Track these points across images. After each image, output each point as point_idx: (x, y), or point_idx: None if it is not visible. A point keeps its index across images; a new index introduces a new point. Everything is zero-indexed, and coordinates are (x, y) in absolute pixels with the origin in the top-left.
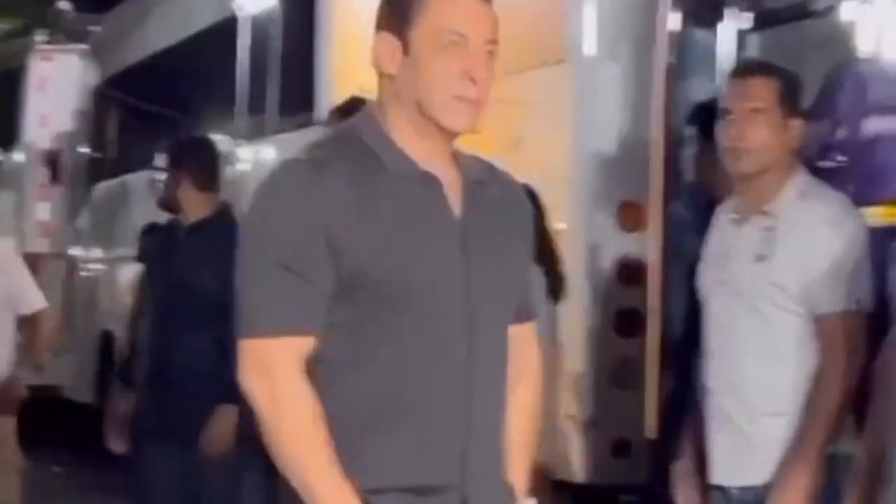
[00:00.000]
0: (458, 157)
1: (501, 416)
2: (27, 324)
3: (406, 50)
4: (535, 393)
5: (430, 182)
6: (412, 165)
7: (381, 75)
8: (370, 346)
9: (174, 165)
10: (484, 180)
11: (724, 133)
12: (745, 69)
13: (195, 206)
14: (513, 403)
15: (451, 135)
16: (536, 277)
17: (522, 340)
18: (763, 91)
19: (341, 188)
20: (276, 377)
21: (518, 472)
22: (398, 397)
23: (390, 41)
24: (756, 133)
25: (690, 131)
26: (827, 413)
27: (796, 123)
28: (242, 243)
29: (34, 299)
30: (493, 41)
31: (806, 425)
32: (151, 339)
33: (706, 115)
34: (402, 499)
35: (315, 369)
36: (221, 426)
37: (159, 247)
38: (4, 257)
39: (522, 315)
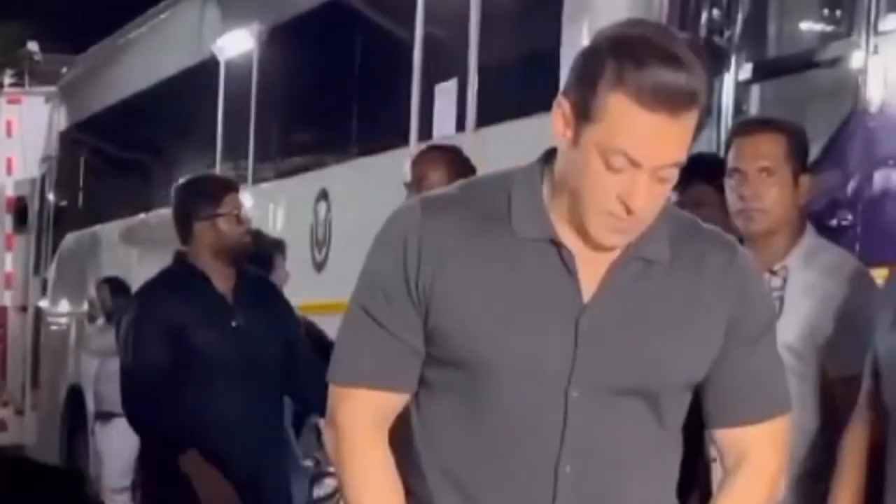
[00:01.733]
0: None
1: None
2: None
3: (576, 140)
4: (750, 493)
5: (560, 252)
6: (543, 230)
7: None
8: (452, 420)
9: None
10: (656, 258)
11: (735, 193)
12: (752, 126)
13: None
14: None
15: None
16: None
17: (746, 442)
18: (772, 149)
19: (449, 238)
20: (342, 428)
21: None
22: (467, 485)
23: (566, 113)
24: (768, 193)
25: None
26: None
27: (804, 180)
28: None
29: None
30: (674, 164)
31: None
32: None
33: (684, 172)
34: None
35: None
36: None
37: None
38: None
39: (736, 415)
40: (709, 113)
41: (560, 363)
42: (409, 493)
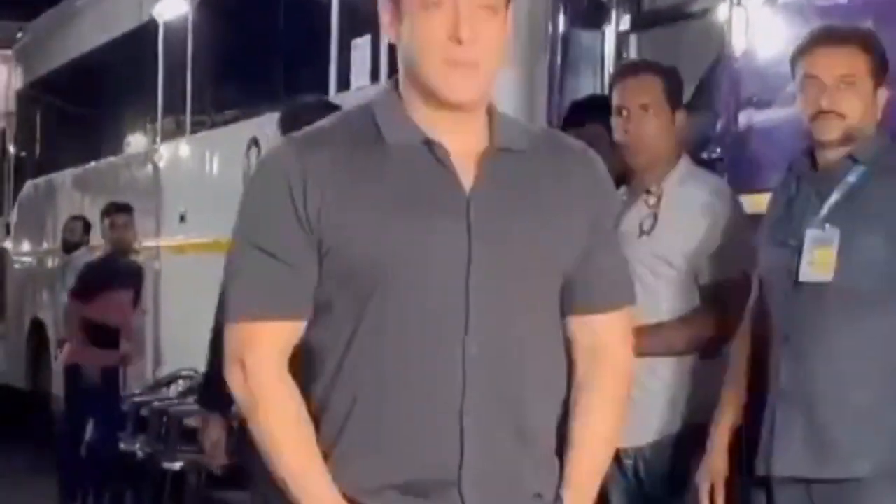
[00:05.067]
0: (494, 125)
1: (526, 416)
2: None
3: (398, 16)
4: (614, 398)
5: (434, 151)
6: (414, 134)
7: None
8: (355, 334)
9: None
10: (518, 147)
11: (619, 128)
12: (632, 68)
13: None
14: (578, 410)
15: (453, 106)
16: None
17: (601, 335)
18: (651, 87)
19: (326, 163)
20: (250, 367)
21: (574, 491)
22: (384, 391)
23: (387, 6)
24: (647, 127)
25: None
26: (662, 332)
27: (680, 116)
28: (234, 225)
29: None
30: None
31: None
32: None
33: (581, 111)
34: (397, 498)
35: (299, 356)
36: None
37: None
38: None
39: (594, 301)
40: None
41: (457, 251)
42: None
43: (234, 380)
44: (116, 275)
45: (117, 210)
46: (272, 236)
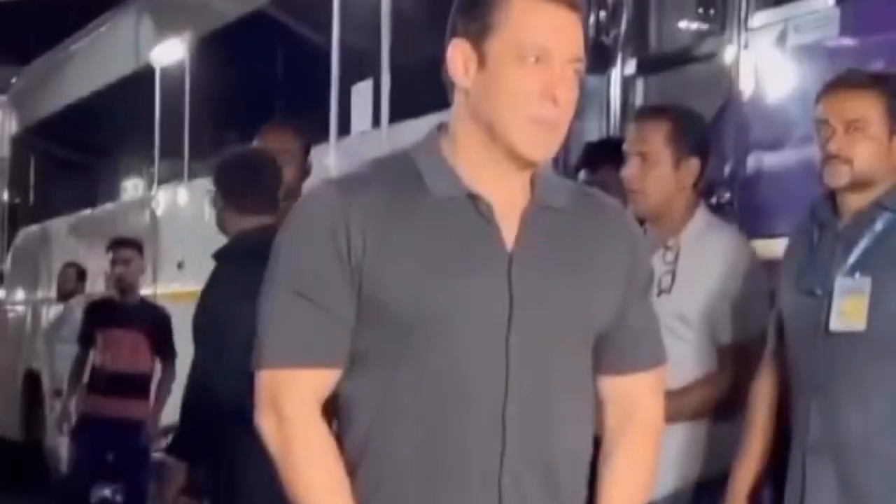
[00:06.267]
0: (536, 181)
1: (559, 474)
2: None
3: (482, 62)
4: (645, 452)
5: (477, 206)
6: (457, 186)
7: (455, 89)
8: (391, 389)
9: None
10: (559, 204)
11: (631, 175)
12: (641, 112)
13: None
14: (611, 463)
15: (525, 164)
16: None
17: (636, 392)
18: (651, 134)
19: (369, 209)
20: (286, 413)
21: None
22: (421, 450)
23: (465, 50)
24: (644, 176)
25: (582, 173)
26: (686, 399)
27: (689, 163)
28: (268, 270)
29: None
30: (580, 59)
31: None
32: None
33: (596, 154)
34: None
35: (334, 407)
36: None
37: None
38: None
39: (631, 362)
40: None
41: (498, 310)
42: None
43: (267, 426)
44: (120, 315)
45: (121, 245)
46: (312, 280)
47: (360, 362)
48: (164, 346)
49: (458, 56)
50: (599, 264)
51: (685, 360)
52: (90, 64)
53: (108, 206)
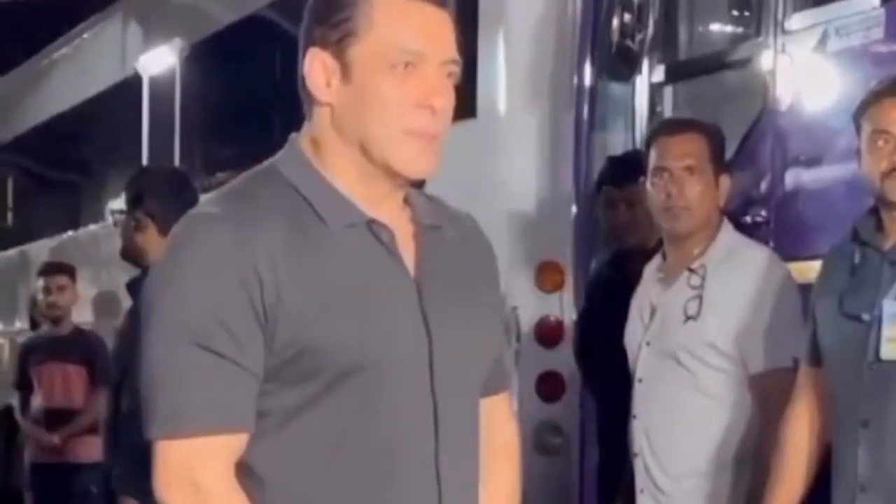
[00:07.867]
0: (408, 198)
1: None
2: None
3: (346, 74)
4: (515, 479)
5: (378, 234)
6: (352, 214)
7: (315, 103)
8: (313, 450)
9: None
10: (435, 222)
11: (662, 192)
12: (676, 126)
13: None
14: (489, 492)
15: (404, 181)
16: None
17: (498, 415)
18: (696, 148)
19: (275, 249)
20: (203, 485)
21: None
22: None
23: (325, 61)
24: (692, 190)
25: (606, 187)
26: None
27: (724, 179)
28: (150, 319)
29: None
30: (455, 61)
31: (767, 482)
32: None
33: (618, 170)
34: None
35: (240, 474)
36: None
37: None
38: None
39: (496, 384)
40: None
41: (420, 347)
42: None
43: (179, 502)
44: (53, 347)
45: (54, 271)
46: (217, 330)
47: (268, 422)
48: (104, 375)
49: (317, 68)
50: (481, 285)
51: (724, 392)
52: (73, 73)
53: (93, 227)
